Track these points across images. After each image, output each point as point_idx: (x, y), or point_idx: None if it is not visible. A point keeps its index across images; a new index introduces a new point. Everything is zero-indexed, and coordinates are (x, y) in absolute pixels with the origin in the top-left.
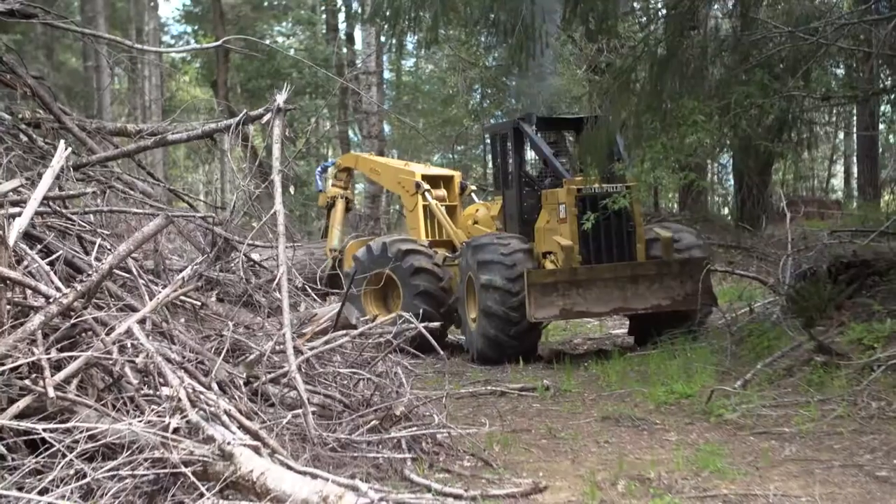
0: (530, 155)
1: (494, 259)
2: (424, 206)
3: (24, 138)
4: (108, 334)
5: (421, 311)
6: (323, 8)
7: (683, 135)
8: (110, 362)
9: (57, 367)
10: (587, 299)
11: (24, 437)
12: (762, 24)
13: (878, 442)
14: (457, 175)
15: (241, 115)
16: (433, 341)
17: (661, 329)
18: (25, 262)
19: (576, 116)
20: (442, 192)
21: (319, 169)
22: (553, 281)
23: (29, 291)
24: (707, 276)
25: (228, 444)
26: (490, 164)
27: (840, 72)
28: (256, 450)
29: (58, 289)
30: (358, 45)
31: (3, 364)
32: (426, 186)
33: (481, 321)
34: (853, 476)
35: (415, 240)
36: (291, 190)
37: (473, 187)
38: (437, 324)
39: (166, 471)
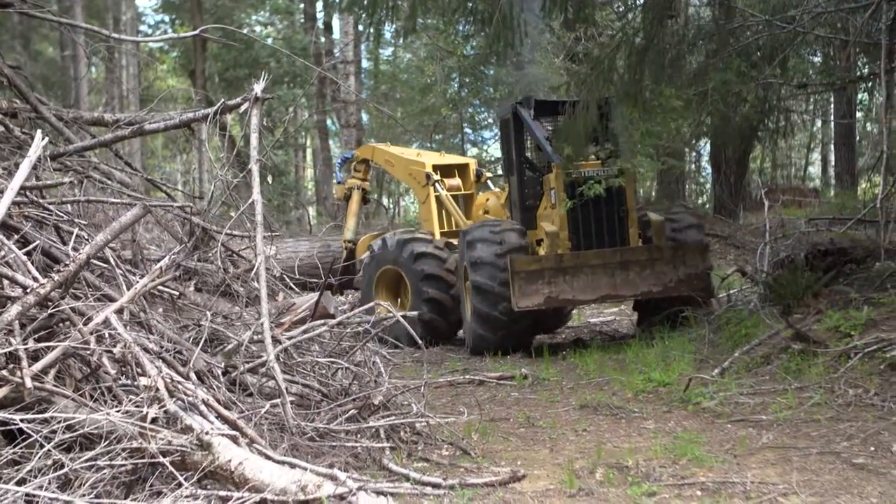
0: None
1: (483, 237)
2: (437, 198)
3: (1, 128)
4: (85, 324)
5: (429, 294)
6: None
7: (662, 122)
8: (88, 352)
9: (34, 357)
10: (574, 287)
11: (2, 428)
12: (740, 13)
13: (855, 429)
14: (472, 162)
15: (219, 104)
16: (410, 329)
17: (669, 314)
18: (2, 253)
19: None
20: (456, 180)
21: (339, 160)
22: (538, 268)
23: (6, 282)
24: (706, 261)
25: (206, 433)
26: (467, 153)
27: (817, 60)
28: (235, 439)
29: (35, 279)
30: (336, 35)
31: None
32: (436, 177)
33: (473, 299)
34: (830, 463)
35: (414, 230)
36: (269, 179)
37: (489, 174)
38: (414, 313)
39: (144, 461)
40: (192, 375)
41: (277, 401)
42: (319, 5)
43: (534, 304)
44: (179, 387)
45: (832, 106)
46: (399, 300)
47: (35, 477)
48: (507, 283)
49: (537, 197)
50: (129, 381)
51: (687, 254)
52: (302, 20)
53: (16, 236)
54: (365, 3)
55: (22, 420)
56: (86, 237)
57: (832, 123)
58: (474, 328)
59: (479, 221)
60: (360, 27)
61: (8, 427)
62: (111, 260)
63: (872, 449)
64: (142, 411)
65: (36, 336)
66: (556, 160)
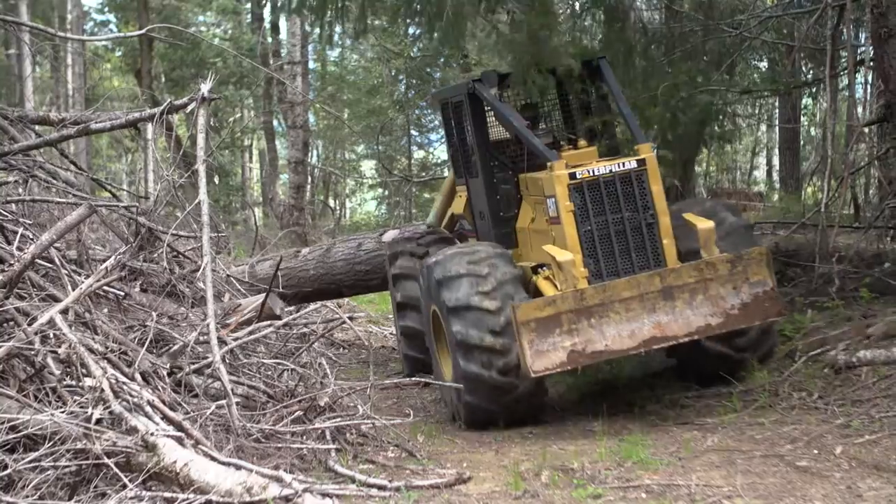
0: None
1: (460, 273)
2: None
3: None
4: (30, 324)
5: None
6: None
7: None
8: (32, 353)
9: None
10: (605, 333)
11: None
12: (686, 17)
13: (799, 432)
14: None
15: (165, 104)
16: (360, 335)
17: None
18: None
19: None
20: None
21: None
22: (554, 313)
23: None
24: (771, 271)
25: (152, 434)
26: (413, 156)
27: (763, 65)
28: (180, 441)
29: None
30: (283, 35)
31: None
32: None
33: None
34: (774, 466)
35: None
36: (216, 180)
37: None
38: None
39: (89, 462)
40: (138, 376)
41: (223, 402)
42: (267, 7)
43: (555, 365)
44: (124, 388)
45: (777, 110)
46: None
47: None
48: (501, 333)
49: (510, 204)
50: (73, 382)
51: (750, 266)
52: (249, 20)
53: None
54: (314, 4)
55: None
56: (31, 237)
57: (777, 128)
58: (463, 396)
59: (456, 257)
60: (308, 28)
61: None
62: (56, 260)
63: (816, 451)
64: (86, 412)
65: None
66: (552, 157)
